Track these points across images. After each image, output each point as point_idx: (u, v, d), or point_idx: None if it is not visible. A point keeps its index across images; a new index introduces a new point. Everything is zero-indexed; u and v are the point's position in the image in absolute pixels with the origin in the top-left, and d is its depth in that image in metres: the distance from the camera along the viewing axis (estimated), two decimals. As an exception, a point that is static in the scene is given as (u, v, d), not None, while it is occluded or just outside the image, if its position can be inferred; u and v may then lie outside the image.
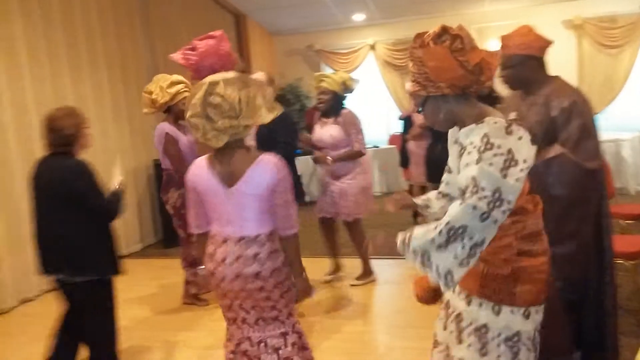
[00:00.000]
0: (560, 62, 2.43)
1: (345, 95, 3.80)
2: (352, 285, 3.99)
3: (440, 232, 1.45)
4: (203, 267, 2.06)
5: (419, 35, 1.58)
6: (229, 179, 1.89)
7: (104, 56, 5.19)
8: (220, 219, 1.96)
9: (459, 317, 1.69)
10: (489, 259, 1.60)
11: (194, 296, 3.80)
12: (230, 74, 1.90)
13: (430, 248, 1.47)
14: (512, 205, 1.45)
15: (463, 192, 1.49)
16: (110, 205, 2.46)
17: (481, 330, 1.62)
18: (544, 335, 1.77)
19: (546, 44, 2.32)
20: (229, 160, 1.90)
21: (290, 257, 2.01)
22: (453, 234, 1.44)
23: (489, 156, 1.44)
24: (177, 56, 3.03)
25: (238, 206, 1.90)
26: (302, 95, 9.26)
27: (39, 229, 2.47)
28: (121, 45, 5.49)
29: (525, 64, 2.30)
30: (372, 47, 9.22)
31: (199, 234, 2.06)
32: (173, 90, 3.51)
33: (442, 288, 1.52)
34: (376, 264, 4.14)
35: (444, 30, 1.54)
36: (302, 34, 9.45)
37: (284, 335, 2.03)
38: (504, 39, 2.36)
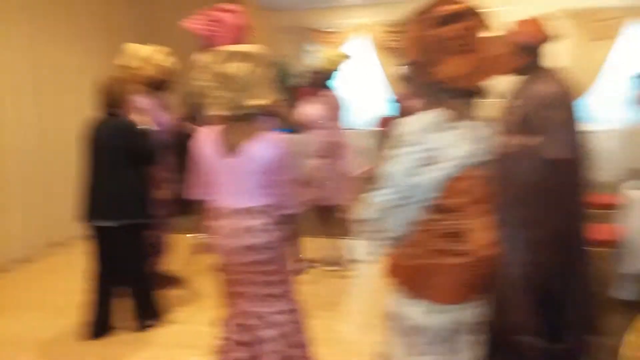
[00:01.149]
0: (553, 51, 2.47)
1: (330, 73, 3.67)
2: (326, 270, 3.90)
3: (353, 224, 1.51)
4: (202, 235, 2.08)
5: (439, 5, 1.45)
6: (231, 151, 1.91)
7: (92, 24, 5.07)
8: (222, 190, 1.96)
9: None
10: (402, 251, 1.54)
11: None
12: (246, 48, 1.91)
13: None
14: (425, 203, 1.43)
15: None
16: (149, 148, 2.90)
17: (389, 316, 1.66)
18: (504, 316, 1.87)
19: (542, 34, 2.37)
20: (234, 132, 1.92)
21: (287, 236, 2.06)
22: (361, 226, 1.49)
23: (402, 152, 1.42)
24: (196, 25, 2.74)
25: (239, 178, 1.92)
26: (288, 74, 9.12)
27: (90, 181, 2.87)
28: (107, 18, 5.37)
29: (518, 52, 2.36)
30: (364, 28, 9.06)
31: (200, 202, 2.07)
32: (159, 61, 3.35)
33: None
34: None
35: (452, 16, 1.40)
36: (292, 11, 9.21)
37: (285, 312, 2.04)
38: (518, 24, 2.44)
